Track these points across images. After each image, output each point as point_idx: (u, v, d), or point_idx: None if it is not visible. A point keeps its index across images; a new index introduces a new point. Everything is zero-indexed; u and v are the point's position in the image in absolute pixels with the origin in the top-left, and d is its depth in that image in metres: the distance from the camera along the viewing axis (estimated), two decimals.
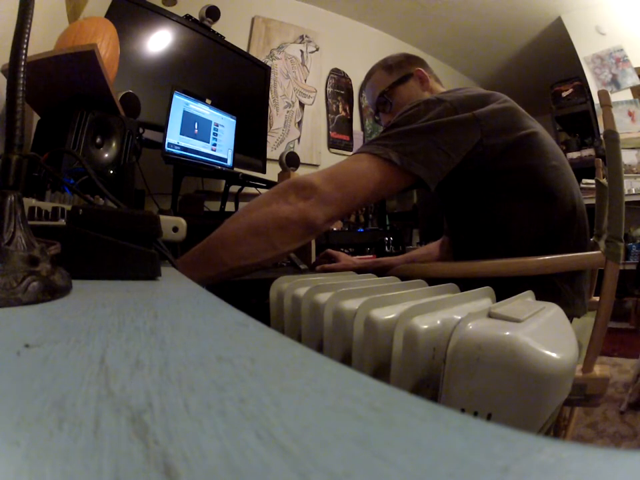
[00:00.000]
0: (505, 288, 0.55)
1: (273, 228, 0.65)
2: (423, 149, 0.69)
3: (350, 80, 2.92)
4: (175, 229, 0.60)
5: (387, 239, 1.95)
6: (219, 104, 1.60)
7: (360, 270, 0.84)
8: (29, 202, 0.51)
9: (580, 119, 3.22)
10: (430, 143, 0.69)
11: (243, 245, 0.65)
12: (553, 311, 0.44)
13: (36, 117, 1.03)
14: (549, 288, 0.72)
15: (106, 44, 1.05)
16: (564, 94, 3.33)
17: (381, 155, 0.68)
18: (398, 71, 0.97)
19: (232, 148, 1.68)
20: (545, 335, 0.35)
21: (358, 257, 1.49)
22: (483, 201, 0.79)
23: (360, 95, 2.97)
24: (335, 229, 1.87)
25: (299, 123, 2.60)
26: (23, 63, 0.28)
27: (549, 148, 0.78)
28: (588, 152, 3.10)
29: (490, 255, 0.74)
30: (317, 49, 2.74)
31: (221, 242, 0.66)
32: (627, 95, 2.81)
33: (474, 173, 0.76)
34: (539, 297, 0.53)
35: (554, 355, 0.32)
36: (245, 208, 0.71)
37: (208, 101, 1.54)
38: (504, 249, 0.76)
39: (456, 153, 0.71)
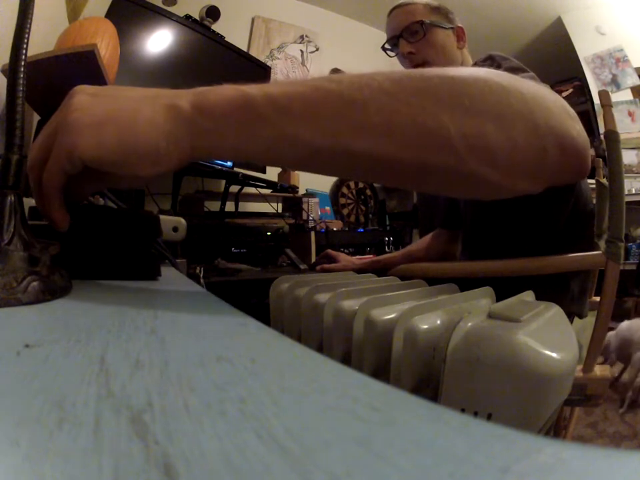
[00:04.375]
0: (505, 288, 0.55)
1: (533, 103, 0.34)
2: None
3: None
4: (175, 229, 0.60)
5: (386, 238, 1.96)
6: None
7: (359, 270, 0.84)
8: (29, 202, 0.51)
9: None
10: None
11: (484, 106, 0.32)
12: (553, 311, 0.44)
13: (36, 117, 1.03)
14: (555, 285, 0.72)
15: (106, 44, 1.05)
16: (564, 94, 3.33)
17: None
18: (443, 16, 0.92)
19: None
20: (545, 334, 0.35)
21: (358, 257, 1.49)
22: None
23: None
24: (334, 228, 1.87)
25: None
26: (23, 63, 0.28)
27: None
28: None
29: (507, 253, 0.73)
30: (317, 49, 2.74)
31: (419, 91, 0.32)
32: (627, 95, 2.81)
33: None
34: (544, 295, 0.52)
35: (554, 354, 0.32)
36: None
37: None
38: (522, 246, 0.75)
39: None
